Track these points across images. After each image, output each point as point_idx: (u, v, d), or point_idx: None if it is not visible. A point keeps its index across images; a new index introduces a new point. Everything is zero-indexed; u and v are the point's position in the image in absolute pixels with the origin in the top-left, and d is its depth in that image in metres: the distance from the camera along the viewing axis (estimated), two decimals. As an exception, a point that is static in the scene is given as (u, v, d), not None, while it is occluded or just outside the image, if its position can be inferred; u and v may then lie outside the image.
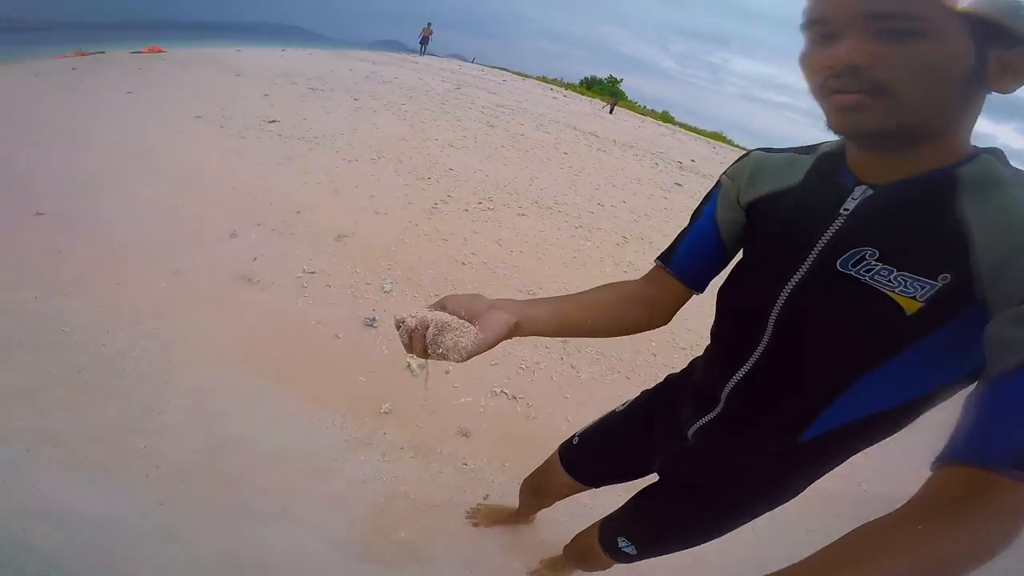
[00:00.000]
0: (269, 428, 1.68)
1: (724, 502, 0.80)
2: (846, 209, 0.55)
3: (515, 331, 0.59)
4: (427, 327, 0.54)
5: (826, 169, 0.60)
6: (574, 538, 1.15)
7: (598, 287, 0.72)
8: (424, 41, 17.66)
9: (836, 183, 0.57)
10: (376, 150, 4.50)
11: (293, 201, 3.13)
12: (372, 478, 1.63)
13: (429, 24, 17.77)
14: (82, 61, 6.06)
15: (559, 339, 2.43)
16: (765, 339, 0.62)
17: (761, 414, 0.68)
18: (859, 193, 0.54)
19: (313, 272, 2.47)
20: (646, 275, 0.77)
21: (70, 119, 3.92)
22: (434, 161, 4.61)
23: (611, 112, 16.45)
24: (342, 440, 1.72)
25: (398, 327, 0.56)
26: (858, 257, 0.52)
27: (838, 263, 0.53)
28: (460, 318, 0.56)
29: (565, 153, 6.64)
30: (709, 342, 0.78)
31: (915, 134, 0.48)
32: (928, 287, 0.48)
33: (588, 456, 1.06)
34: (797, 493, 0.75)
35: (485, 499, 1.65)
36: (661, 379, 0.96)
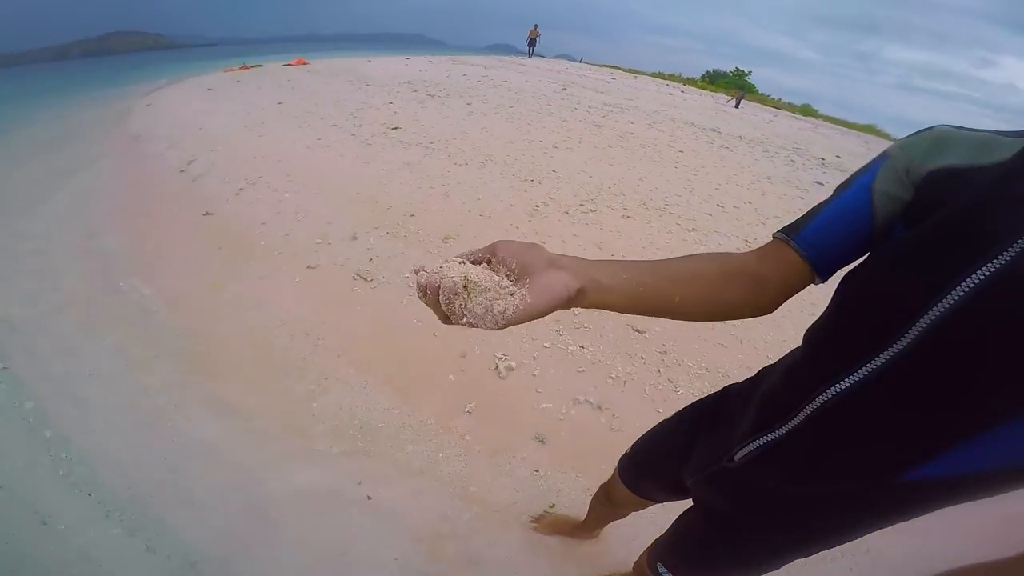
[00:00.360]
0: (367, 414, 1.80)
1: (757, 540, 0.68)
2: None
3: (577, 300, 0.48)
4: (443, 287, 0.44)
5: None
6: (638, 559, 1.08)
7: (692, 255, 0.57)
8: (532, 43, 17.79)
9: None
10: (484, 153, 4.62)
11: (408, 205, 3.33)
12: (446, 477, 1.66)
13: (536, 26, 17.86)
14: (244, 74, 7.14)
15: (657, 349, 2.27)
16: (897, 347, 0.47)
17: (854, 443, 0.53)
18: None
19: (420, 270, 2.59)
20: (758, 249, 0.61)
21: (233, 129, 4.62)
22: (537, 163, 4.60)
23: (737, 106, 15.02)
24: (426, 437, 1.79)
25: (419, 287, 0.46)
26: None
27: None
28: (508, 273, 0.47)
29: (680, 151, 6.21)
30: (801, 344, 0.62)
31: None
32: None
33: (636, 467, 0.99)
34: (848, 540, 0.62)
35: (551, 508, 1.62)
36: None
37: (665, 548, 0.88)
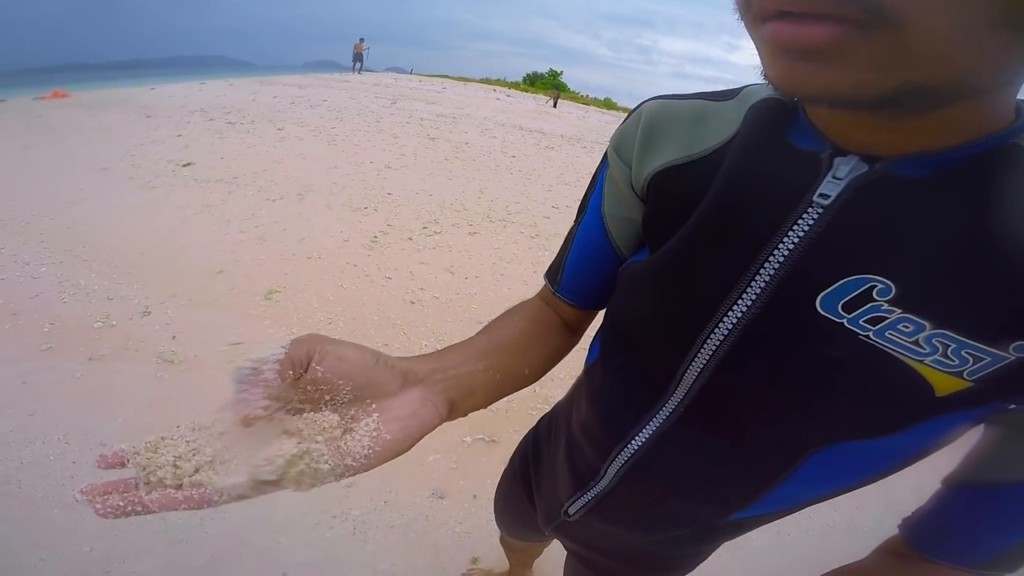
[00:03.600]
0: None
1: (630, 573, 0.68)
2: (824, 196, 0.31)
3: (446, 419, 0.40)
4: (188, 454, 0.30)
5: (768, 125, 0.35)
6: None
7: (505, 320, 0.53)
8: (358, 58, 17.25)
9: (793, 150, 0.33)
10: (303, 184, 4.23)
11: (212, 260, 2.85)
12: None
13: (361, 40, 17.34)
14: (-30, 115, 5.45)
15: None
16: (675, 399, 0.42)
17: (670, 497, 0.49)
18: (847, 170, 0.30)
19: (240, 343, 2.24)
20: (541, 293, 0.57)
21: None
22: (370, 187, 4.38)
23: (555, 106, 16.45)
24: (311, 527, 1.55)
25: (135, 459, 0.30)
26: (856, 294, 0.30)
27: (818, 301, 0.31)
28: (329, 399, 0.33)
29: (513, 156, 6.52)
30: (583, 376, 0.59)
31: (935, 97, 0.24)
32: (989, 360, 0.28)
33: (503, 522, 0.97)
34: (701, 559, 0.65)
35: (474, 563, 1.55)
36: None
37: None
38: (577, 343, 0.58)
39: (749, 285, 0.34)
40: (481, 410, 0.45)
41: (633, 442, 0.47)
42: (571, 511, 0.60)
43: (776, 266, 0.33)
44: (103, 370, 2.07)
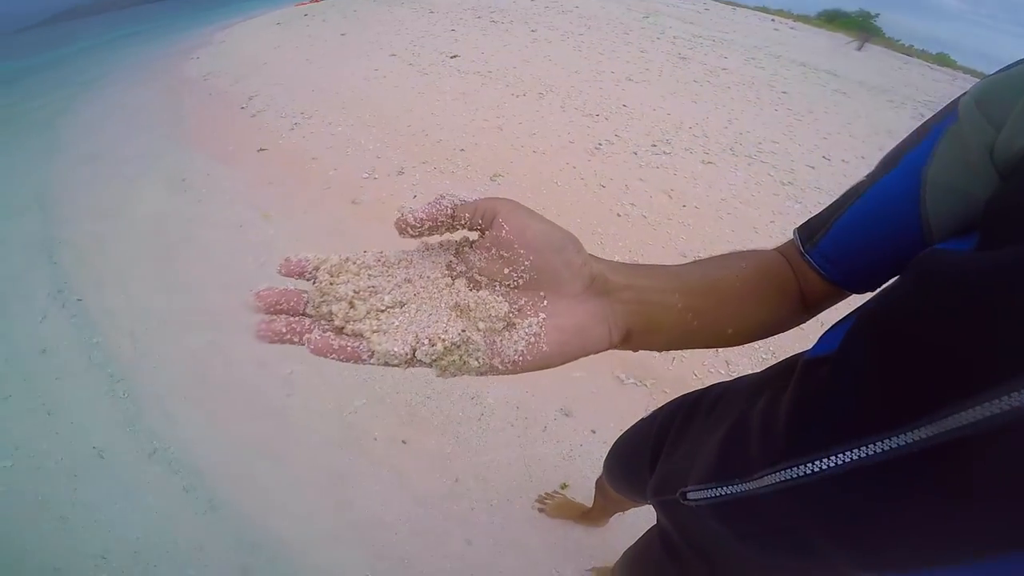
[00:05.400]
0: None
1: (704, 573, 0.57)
2: None
3: (615, 347, 0.34)
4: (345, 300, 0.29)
5: None
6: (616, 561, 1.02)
7: (723, 261, 0.41)
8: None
9: None
10: (545, 84, 4.24)
11: (459, 138, 3.14)
12: (463, 437, 1.61)
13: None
14: (314, 7, 7.03)
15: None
16: (921, 433, 0.28)
17: (825, 533, 0.37)
18: None
19: (463, 212, 2.45)
20: (783, 248, 0.45)
21: (295, 63, 4.58)
22: (606, 96, 4.14)
23: (859, 49, 12.72)
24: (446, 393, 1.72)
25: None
26: None
27: None
28: (508, 274, 0.30)
29: (784, 92, 5.32)
30: (798, 367, 0.43)
31: None
32: None
33: (611, 470, 0.90)
34: None
35: (562, 488, 1.54)
36: None
37: (630, 564, 0.81)
38: (805, 322, 0.45)
39: None
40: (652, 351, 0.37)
41: (824, 462, 0.34)
42: (691, 496, 0.50)
43: None
44: (361, 215, 2.53)
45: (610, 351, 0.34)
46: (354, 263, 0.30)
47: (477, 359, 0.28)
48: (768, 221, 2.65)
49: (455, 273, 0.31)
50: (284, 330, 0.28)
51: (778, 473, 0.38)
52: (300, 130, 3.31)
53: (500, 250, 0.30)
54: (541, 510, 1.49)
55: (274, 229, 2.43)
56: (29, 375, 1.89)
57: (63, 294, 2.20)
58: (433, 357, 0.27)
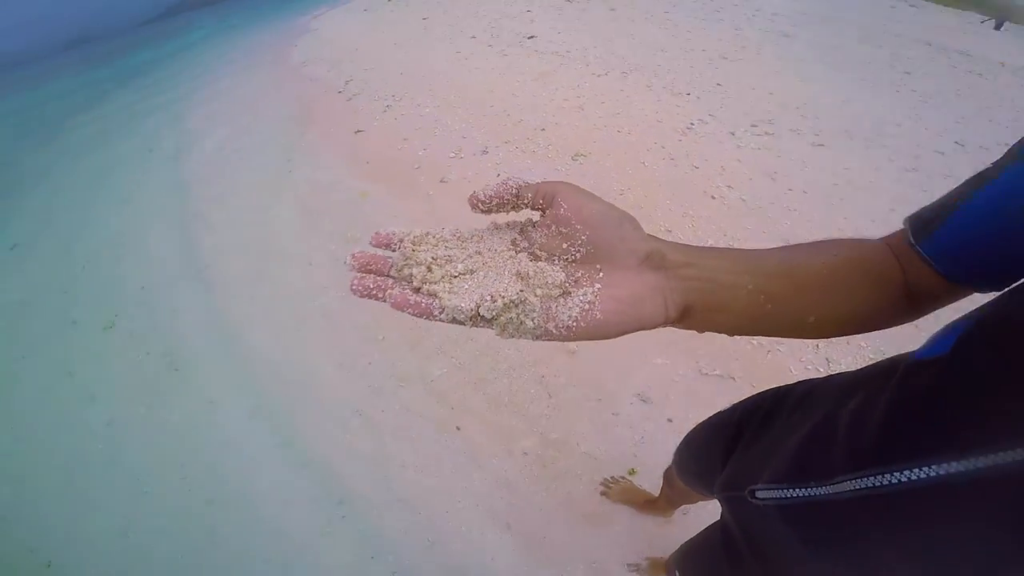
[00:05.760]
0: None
1: None
2: None
3: (674, 323, 0.34)
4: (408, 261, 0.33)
5: None
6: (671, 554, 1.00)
7: (813, 248, 0.38)
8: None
9: None
10: (629, 63, 4.09)
11: (539, 118, 3.14)
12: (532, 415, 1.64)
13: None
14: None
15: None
16: None
17: (892, 546, 0.36)
18: None
19: (547, 191, 2.47)
20: (890, 238, 0.41)
21: (383, 48, 4.78)
22: (697, 74, 3.92)
23: (998, 28, 10.91)
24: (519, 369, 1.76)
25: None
26: None
27: None
28: (567, 248, 0.33)
29: (907, 72, 4.76)
30: (901, 368, 0.40)
31: None
32: None
33: (681, 462, 0.88)
34: None
35: (630, 474, 1.51)
36: None
37: (685, 555, 0.81)
38: (912, 320, 0.41)
39: None
40: (742, 337, 0.42)
41: (917, 472, 0.32)
42: (760, 495, 0.49)
43: None
44: (448, 192, 2.62)
45: (693, 338, 0.34)
46: (433, 236, 0.34)
47: (532, 319, 0.30)
48: (888, 209, 2.40)
49: (519, 248, 0.34)
50: (371, 286, 0.33)
51: (860, 480, 0.36)
52: (392, 112, 3.47)
53: (559, 227, 0.33)
54: (604, 493, 1.49)
55: (370, 206, 2.60)
56: (166, 335, 2.20)
57: (196, 263, 2.52)
58: (493, 313, 0.30)
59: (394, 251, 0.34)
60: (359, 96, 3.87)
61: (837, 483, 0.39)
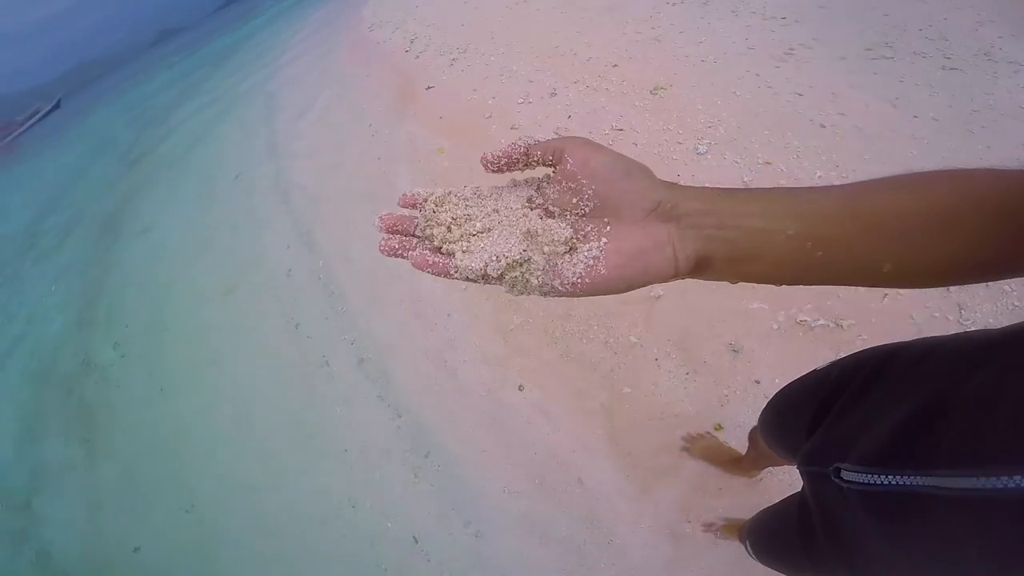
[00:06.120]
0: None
1: (831, 562, 0.51)
2: None
3: (691, 274, 0.32)
4: (435, 219, 0.34)
5: None
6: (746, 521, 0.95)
7: (899, 183, 0.32)
8: None
9: None
10: (712, -12, 3.66)
11: (610, 54, 2.91)
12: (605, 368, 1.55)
13: None
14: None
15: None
16: None
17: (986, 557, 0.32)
18: None
19: (621, 129, 2.28)
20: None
21: (441, 2, 4.68)
22: (795, -4, 3.42)
23: None
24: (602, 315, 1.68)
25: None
26: None
27: None
28: (576, 203, 0.32)
29: None
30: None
31: None
32: None
33: (766, 423, 0.79)
34: None
35: (716, 429, 1.40)
36: None
37: (758, 526, 0.79)
38: None
39: None
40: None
41: None
42: (845, 476, 0.43)
43: None
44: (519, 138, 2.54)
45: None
46: (455, 196, 0.35)
47: (537, 277, 0.31)
48: None
49: (534, 205, 0.34)
50: (397, 246, 0.35)
51: (977, 479, 0.29)
52: (458, 64, 3.41)
53: (568, 182, 0.32)
54: (685, 448, 1.39)
55: (448, 161, 2.59)
56: (280, 295, 2.38)
57: (298, 225, 2.70)
58: (499, 272, 0.31)
59: (420, 212, 0.35)
60: (425, 52, 3.83)
61: (942, 475, 0.33)
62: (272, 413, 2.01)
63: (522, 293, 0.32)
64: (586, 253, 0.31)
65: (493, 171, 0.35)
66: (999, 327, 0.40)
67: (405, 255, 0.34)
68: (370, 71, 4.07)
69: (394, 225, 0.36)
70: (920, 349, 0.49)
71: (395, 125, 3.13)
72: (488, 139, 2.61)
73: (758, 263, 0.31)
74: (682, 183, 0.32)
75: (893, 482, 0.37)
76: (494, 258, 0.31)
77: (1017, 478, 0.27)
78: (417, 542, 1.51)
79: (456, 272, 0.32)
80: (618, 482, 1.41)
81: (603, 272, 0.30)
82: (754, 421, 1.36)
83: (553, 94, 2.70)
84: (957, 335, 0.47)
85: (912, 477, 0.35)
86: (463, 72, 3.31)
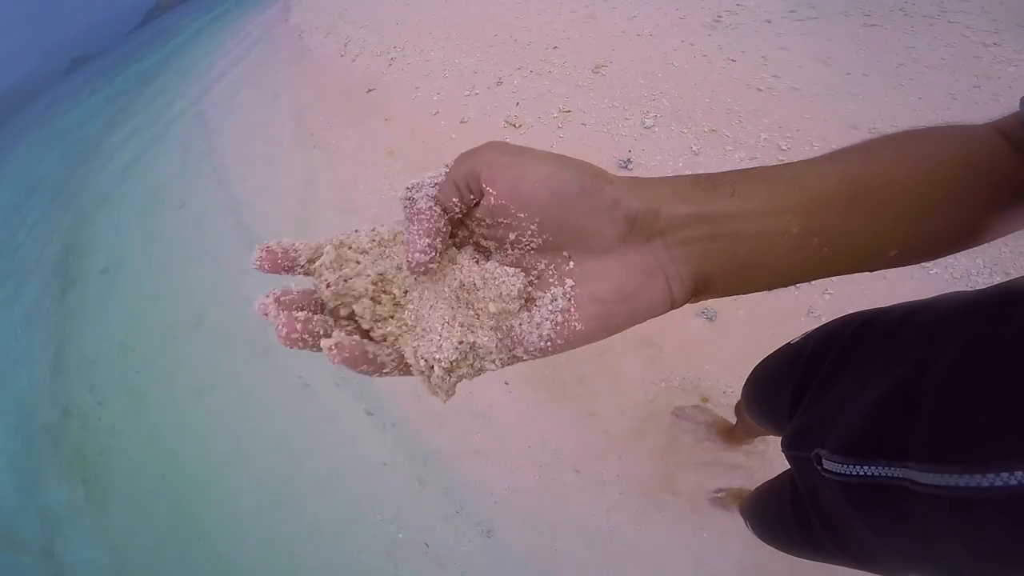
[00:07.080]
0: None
1: (825, 541, 0.50)
2: None
3: (685, 302, 0.25)
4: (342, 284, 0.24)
5: None
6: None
7: (887, 146, 0.27)
8: None
9: None
10: (638, -39, 3.71)
11: (549, 37, 2.93)
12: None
13: None
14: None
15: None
16: None
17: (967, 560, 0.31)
18: None
19: (569, 111, 2.31)
20: (1001, 123, 0.28)
21: (371, 2, 4.56)
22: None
23: None
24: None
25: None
26: None
27: None
28: (516, 239, 0.23)
29: None
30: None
31: None
32: None
33: (747, 399, 0.78)
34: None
35: (703, 400, 1.43)
36: None
37: (754, 504, 0.75)
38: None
39: None
40: None
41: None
42: (827, 466, 0.40)
43: None
44: (471, 132, 2.52)
45: None
46: (350, 248, 0.25)
47: (493, 361, 0.23)
48: (971, 86, 2.09)
49: (458, 240, 0.25)
50: (301, 329, 0.23)
51: (950, 476, 0.27)
52: (398, 64, 3.34)
53: (498, 218, 0.23)
54: (678, 422, 1.41)
55: (400, 163, 2.55)
56: (246, 322, 2.30)
57: (253, 250, 2.60)
58: (445, 369, 0.22)
59: (317, 278, 0.25)
60: (362, 55, 3.73)
61: (911, 469, 0.30)
62: (264, 440, 1.96)
63: (476, 377, 0.24)
64: (550, 307, 0.23)
65: (431, 261, 0.23)
66: (974, 291, 0.39)
67: (316, 346, 0.23)
68: (305, 80, 3.94)
69: (289, 303, 0.25)
70: (900, 313, 0.45)
71: (340, 134, 3.05)
72: (437, 136, 2.59)
73: (760, 271, 0.24)
74: (643, 176, 0.24)
75: (869, 472, 0.35)
76: (435, 348, 0.23)
77: (1005, 475, 0.25)
78: (428, 547, 1.53)
79: (415, 366, 0.24)
80: (618, 465, 1.45)
81: (578, 328, 0.23)
82: (733, 392, 1.44)
83: (499, 83, 2.70)
84: (934, 299, 0.43)
85: (887, 468, 0.33)
86: (403, 71, 3.25)
